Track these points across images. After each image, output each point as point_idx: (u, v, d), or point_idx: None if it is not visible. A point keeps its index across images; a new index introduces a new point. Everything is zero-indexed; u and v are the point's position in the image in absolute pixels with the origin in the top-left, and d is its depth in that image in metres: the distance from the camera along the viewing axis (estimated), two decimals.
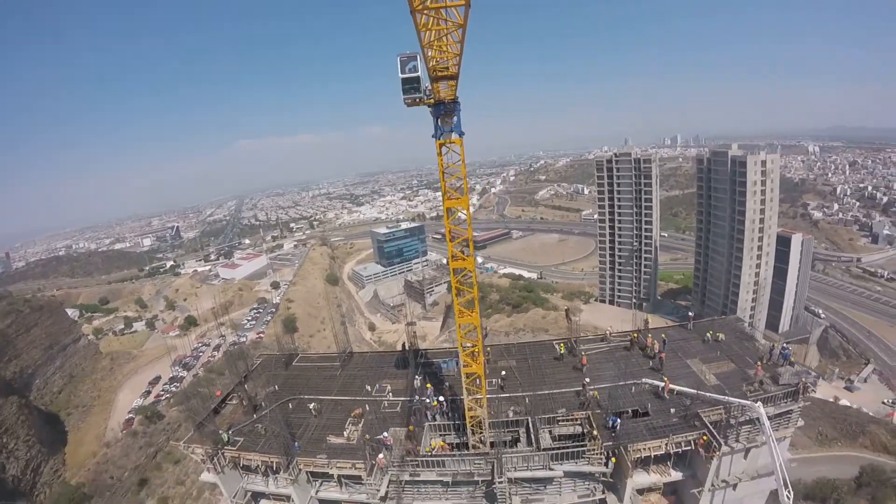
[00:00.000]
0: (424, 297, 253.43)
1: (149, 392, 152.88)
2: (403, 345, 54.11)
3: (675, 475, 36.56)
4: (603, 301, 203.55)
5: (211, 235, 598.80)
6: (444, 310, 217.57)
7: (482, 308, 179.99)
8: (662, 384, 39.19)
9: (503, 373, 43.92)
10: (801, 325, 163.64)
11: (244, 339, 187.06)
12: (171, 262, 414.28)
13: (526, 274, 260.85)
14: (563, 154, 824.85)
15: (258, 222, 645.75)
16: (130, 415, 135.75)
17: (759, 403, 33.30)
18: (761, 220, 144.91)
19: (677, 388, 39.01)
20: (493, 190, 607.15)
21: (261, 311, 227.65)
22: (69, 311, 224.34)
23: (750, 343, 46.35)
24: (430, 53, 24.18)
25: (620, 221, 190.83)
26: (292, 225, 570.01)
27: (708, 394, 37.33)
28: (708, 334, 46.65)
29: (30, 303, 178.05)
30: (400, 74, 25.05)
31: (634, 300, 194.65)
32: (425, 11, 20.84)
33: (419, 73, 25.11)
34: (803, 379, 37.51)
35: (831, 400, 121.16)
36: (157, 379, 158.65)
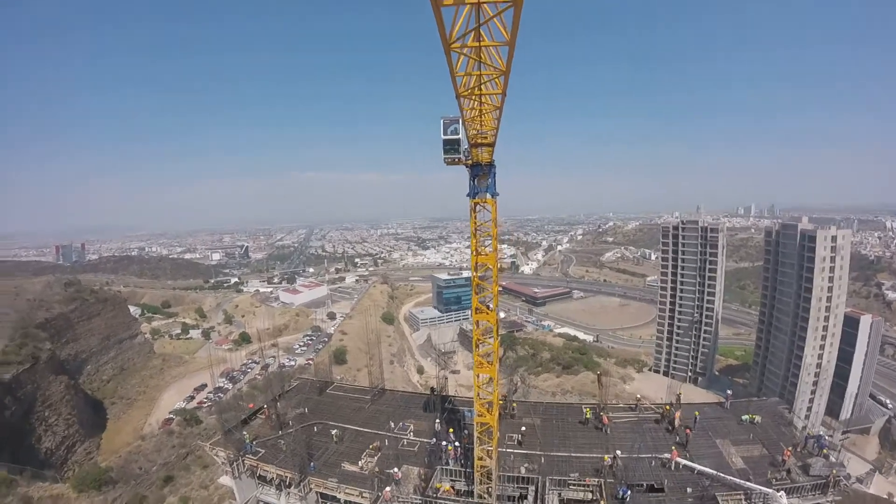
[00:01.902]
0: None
1: (192, 397, 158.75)
2: (432, 388, 55.33)
3: None
4: (657, 371, 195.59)
5: (277, 259, 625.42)
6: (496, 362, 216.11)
7: (532, 365, 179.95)
8: (686, 462, 38.22)
9: (523, 428, 44.14)
10: (865, 414, 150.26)
11: (293, 363, 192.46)
12: (236, 279, 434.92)
13: (581, 335, 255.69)
14: (633, 217, 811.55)
15: (325, 253, 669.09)
16: (171, 415, 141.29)
17: (782, 493, 32.00)
18: (828, 299, 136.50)
19: (685, 462, 38.10)
20: (559, 248, 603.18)
21: (314, 338, 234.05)
22: (131, 309, 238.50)
23: (787, 429, 44.35)
24: (470, 125, 26.59)
25: (682, 290, 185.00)
26: (357, 260, 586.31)
27: (718, 473, 36.17)
28: (744, 416, 45.20)
29: (96, 294, 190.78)
30: (442, 136, 27.48)
31: (690, 373, 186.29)
32: (469, 96, 23.33)
33: (460, 136, 27.42)
34: (834, 471, 35.31)
35: (885, 496, 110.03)
36: (203, 387, 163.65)
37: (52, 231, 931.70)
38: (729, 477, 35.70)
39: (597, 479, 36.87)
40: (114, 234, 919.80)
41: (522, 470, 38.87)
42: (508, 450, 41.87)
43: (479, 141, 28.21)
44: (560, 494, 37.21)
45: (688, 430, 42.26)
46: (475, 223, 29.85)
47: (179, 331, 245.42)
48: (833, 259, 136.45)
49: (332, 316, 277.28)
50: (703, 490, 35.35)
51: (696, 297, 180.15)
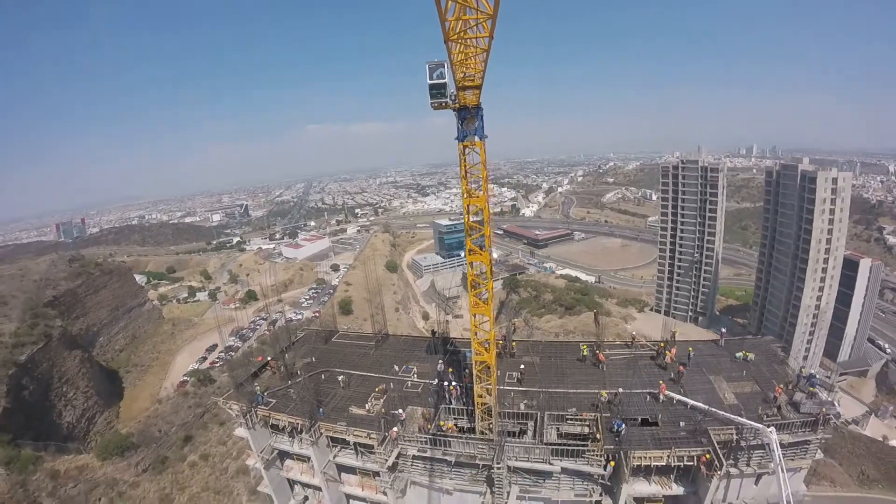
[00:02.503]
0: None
1: (205, 358, 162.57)
2: (433, 331, 56.72)
3: (677, 489, 36.48)
4: (658, 311, 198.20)
5: (278, 215, 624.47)
6: (497, 305, 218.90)
7: (535, 307, 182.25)
8: (689, 401, 39.06)
9: (522, 367, 45.45)
10: (862, 357, 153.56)
11: (300, 316, 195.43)
12: (238, 239, 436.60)
13: (583, 277, 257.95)
14: (633, 157, 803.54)
15: (325, 206, 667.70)
16: (185, 377, 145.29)
17: (772, 429, 32.47)
18: (828, 241, 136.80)
19: (675, 395, 39.26)
20: (559, 189, 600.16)
21: (319, 291, 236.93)
22: (137, 277, 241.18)
23: (780, 367, 44.67)
24: (458, 69, 26.27)
25: (683, 231, 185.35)
26: (357, 211, 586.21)
27: (709, 408, 37.20)
28: (738, 353, 45.63)
29: (101, 266, 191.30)
30: (428, 80, 27.04)
31: (690, 313, 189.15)
32: (458, 40, 23.40)
33: (446, 80, 27.05)
34: (824, 409, 35.84)
35: (880, 438, 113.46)
36: (214, 347, 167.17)
37: (51, 211, 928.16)
38: (720, 412, 36.55)
39: (593, 414, 37.98)
40: (112, 205, 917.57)
41: (522, 406, 40.10)
42: (508, 387, 43.16)
43: (466, 84, 27.80)
44: (558, 429, 38.53)
45: (681, 368, 43.10)
46: (465, 166, 29.88)
47: (186, 294, 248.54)
48: (833, 201, 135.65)
49: (335, 268, 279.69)
50: (695, 424, 36.27)
51: (696, 237, 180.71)
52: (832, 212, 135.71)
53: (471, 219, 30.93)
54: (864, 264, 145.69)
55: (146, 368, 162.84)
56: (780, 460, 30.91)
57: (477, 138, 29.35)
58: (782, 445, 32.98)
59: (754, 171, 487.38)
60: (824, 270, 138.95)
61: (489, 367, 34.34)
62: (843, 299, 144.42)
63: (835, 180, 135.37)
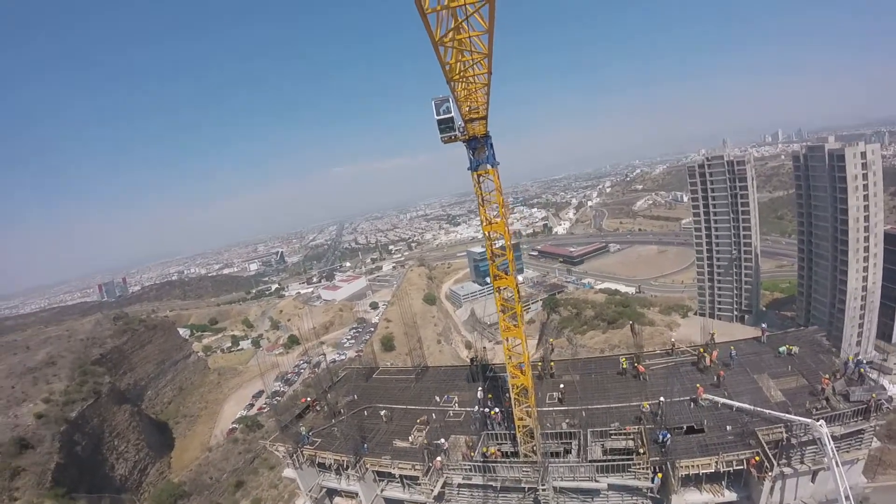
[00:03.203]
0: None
1: (252, 405, 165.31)
2: (472, 359, 57.05)
3: (729, 495, 35.34)
4: (702, 314, 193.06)
5: (313, 259, 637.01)
6: (539, 327, 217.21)
7: (577, 325, 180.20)
8: (723, 400, 38.47)
9: (562, 386, 45.42)
10: None
11: (343, 356, 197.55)
12: (276, 285, 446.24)
13: (623, 288, 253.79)
14: (659, 161, 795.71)
15: (358, 245, 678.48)
16: (234, 425, 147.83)
17: (822, 422, 31.27)
18: (866, 218, 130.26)
19: (717, 398, 38.46)
20: (589, 203, 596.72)
21: (360, 330, 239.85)
22: (181, 331, 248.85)
23: (826, 356, 43.20)
24: (462, 104, 27.64)
25: (717, 229, 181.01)
26: (391, 247, 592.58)
27: (754, 407, 36.26)
28: (781, 348, 44.27)
29: (144, 322, 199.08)
30: (435, 116, 28.38)
31: (736, 312, 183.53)
32: (460, 79, 25.05)
33: (452, 114, 28.30)
34: (874, 395, 34.22)
35: None
36: (260, 393, 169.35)
37: (93, 272, 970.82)
38: (766, 410, 35.58)
39: (636, 427, 37.60)
40: (151, 262, 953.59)
41: (564, 426, 40.01)
42: (550, 408, 43.14)
43: (473, 116, 29.11)
44: (603, 445, 38.22)
45: (721, 372, 42.10)
46: (481, 194, 30.81)
47: (230, 344, 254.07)
48: (865, 176, 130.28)
49: (374, 305, 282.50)
50: (742, 426, 35.34)
51: (731, 233, 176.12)
52: (865, 187, 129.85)
53: (493, 244, 31.72)
54: None
55: (195, 418, 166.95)
56: (833, 454, 29.92)
57: (489, 166, 30.35)
58: (834, 438, 31.77)
59: (782, 157, 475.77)
60: (866, 249, 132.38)
61: (527, 389, 34.56)
62: (891, 276, 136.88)
63: (863, 154, 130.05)
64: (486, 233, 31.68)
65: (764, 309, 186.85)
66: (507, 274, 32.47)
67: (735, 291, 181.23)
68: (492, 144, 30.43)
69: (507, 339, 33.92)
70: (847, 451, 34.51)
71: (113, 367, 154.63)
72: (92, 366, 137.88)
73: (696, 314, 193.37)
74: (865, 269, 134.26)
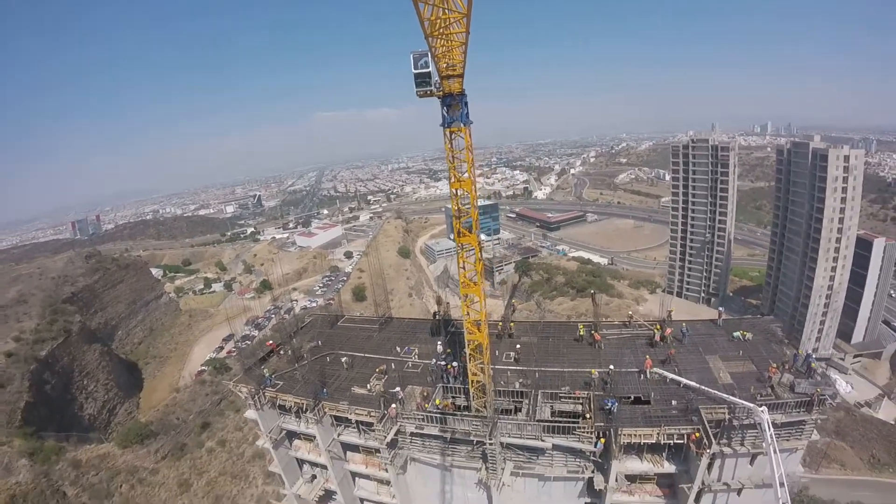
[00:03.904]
0: (493, 275, 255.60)
1: (221, 348, 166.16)
2: (434, 313, 57.98)
3: (669, 468, 36.94)
4: (670, 292, 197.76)
5: (291, 205, 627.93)
6: (510, 288, 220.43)
7: (547, 290, 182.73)
8: (672, 376, 39.57)
9: (518, 346, 46.57)
10: (877, 339, 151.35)
11: (314, 304, 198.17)
12: (252, 229, 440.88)
13: (596, 259, 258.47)
14: (646, 137, 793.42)
15: (337, 194, 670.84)
16: (203, 367, 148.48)
17: (764, 408, 32.14)
18: (840, 220, 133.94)
19: (667, 373, 39.75)
20: (572, 171, 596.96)
21: (332, 278, 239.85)
22: (153, 271, 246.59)
23: (779, 347, 44.15)
24: (440, 60, 27.25)
25: (694, 211, 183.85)
26: (370, 197, 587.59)
27: (700, 385, 37.38)
28: (736, 333, 45.41)
29: (117, 261, 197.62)
30: (413, 70, 28.04)
31: (703, 294, 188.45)
32: (437, 35, 24.55)
33: (430, 69, 27.97)
34: (819, 389, 35.35)
35: (892, 422, 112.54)
36: (231, 336, 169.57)
37: (66, 208, 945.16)
38: (712, 391, 36.62)
39: (586, 392, 38.75)
40: (126, 201, 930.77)
41: (517, 385, 41.15)
42: (505, 367, 44.24)
43: (449, 73, 28.73)
44: (552, 406, 39.63)
45: (671, 351, 43.11)
46: (451, 151, 30.73)
47: (202, 286, 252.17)
48: (846, 179, 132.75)
49: (348, 255, 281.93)
50: (687, 402, 36.38)
51: (707, 217, 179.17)
52: (844, 190, 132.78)
53: (460, 203, 31.88)
54: (879, 244, 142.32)
55: (165, 360, 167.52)
56: (771, 440, 30.83)
57: (462, 124, 30.14)
58: (775, 425, 32.81)
59: (769, 149, 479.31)
60: (837, 250, 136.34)
61: (482, 346, 35.42)
62: (857, 280, 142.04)
63: (847, 158, 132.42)
64: (454, 190, 31.73)
65: (731, 294, 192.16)
66: (470, 231, 32.79)
67: (704, 274, 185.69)
68: (466, 103, 30.06)
69: (466, 296, 34.45)
70: (787, 440, 35.88)
71: (84, 307, 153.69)
72: (63, 304, 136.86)
73: (664, 291, 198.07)
74: (833, 269, 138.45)
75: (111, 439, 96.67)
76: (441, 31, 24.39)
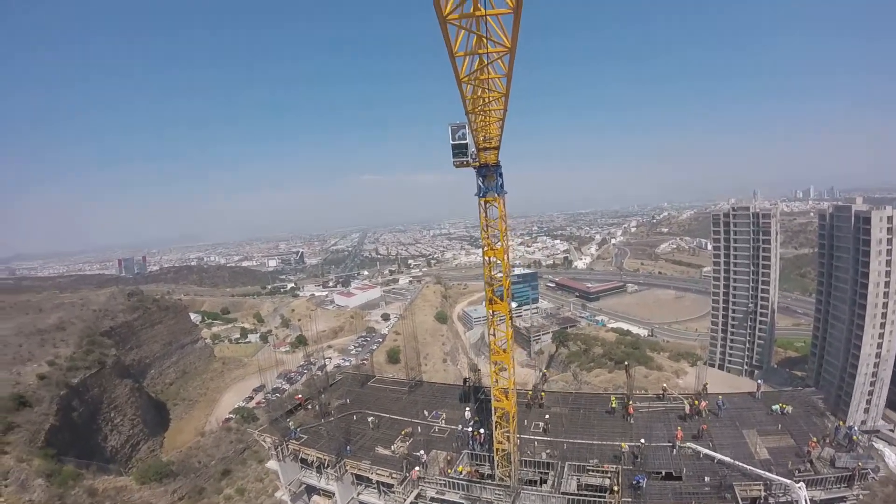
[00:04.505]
0: (530, 345, 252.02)
1: (251, 398, 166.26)
2: (465, 379, 57.81)
3: None
4: (712, 365, 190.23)
5: (332, 263, 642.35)
6: (547, 359, 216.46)
7: (584, 361, 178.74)
8: (706, 451, 38.45)
9: (547, 416, 45.91)
10: None
11: (348, 363, 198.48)
12: (292, 284, 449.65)
13: (635, 330, 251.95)
14: (688, 206, 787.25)
15: (378, 256, 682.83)
16: (230, 414, 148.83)
17: (801, 484, 31.21)
18: (887, 284, 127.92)
19: (700, 448, 38.42)
20: (612, 241, 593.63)
21: (368, 339, 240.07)
22: (192, 316, 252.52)
23: (820, 420, 43.07)
24: (478, 134, 29.14)
25: (736, 280, 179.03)
26: (410, 261, 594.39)
27: (733, 461, 36.05)
28: (774, 406, 44.17)
29: (158, 302, 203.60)
30: (451, 141, 29.89)
31: (746, 366, 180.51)
32: (477, 111, 26.71)
33: (467, 141, 29.76)
34: (860, 463, 34.09)
35: None
36: (262, 387, 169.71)
37: (114, 246, 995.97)
38: (747, 466, 35.36)
39: (614, 466, 37.69)
40: (173, 246, 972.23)
41: (544, 455, 40.45)
42: (533, 437, 43.67)
43: (486, 146, 30.52)
44: (578, 479, 38.46)
45: (704, 426, 42.04)
46: (485, 220, 32.00)
47: (238, 335, 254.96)
48: (890, 241, 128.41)
49: (385, 317, 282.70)
50: (721, 479, 35.15)
51: (750, 286, 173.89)
52: (889, 252, 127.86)
53: (492, 271, 32.81)
54: None
55: (194, 403, 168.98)
56: None
57: (496, 194, 31.57)
58: (814, 502, 31.69)
59: (812, 214, 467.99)
60: (884, 315, 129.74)
61: (508, 414, 35.28)
62: None
63: (890, 219, 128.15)
64: (486, 258, 32.73)
65: (775, 366, 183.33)
66: (501, 300, 33.44)
67: (747, 345, 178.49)
68: (501, 174, 31.69)
69: (495, 363, 34.73)
70: None
71: (121, 341, 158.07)
72: (100, 336, 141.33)
73: (705, 364, 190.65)
74: (881, 335, 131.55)
75: (130, 473, 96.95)
76: (481, 108, 26.46)
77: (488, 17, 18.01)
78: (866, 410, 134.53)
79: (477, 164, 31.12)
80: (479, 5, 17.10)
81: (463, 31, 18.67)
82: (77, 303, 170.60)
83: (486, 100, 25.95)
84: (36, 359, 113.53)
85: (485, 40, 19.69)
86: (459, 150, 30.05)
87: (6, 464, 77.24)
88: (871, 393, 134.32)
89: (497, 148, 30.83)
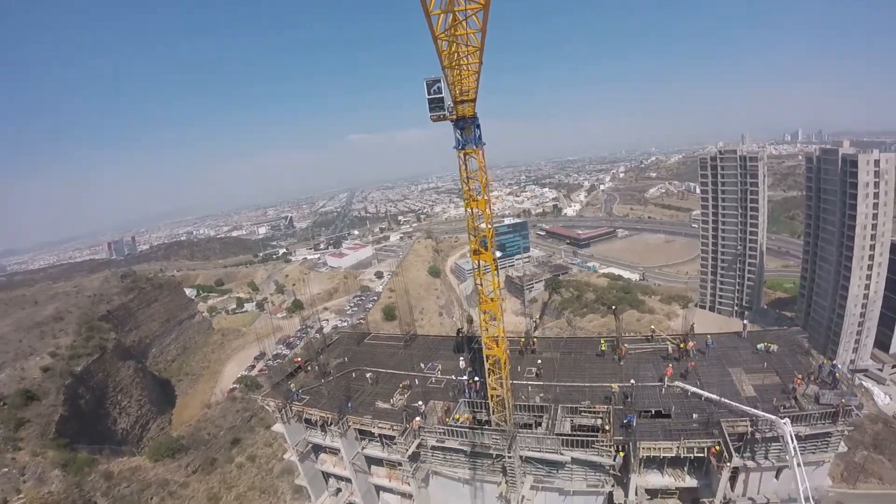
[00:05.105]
0: (523, 293, 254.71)
1: (253, 366, 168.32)
2: (458, 330, 58.93)
3: (690, 481, 36.77)
4: (703, 307, 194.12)
5: (322, 226, 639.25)
6: (541, 307, 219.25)
7: (577, 307, 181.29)
8: (693, 389, 39.62)
9: (539, 361, 47.21)
10: None
11: (345, 323, 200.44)
12: (284, 250, 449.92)
13: (627, 275, 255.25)
14: (676, 150, 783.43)
15: (367, 214, 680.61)
16: (234, 384, 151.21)
17: (787, 420, 31.88)
18: (874, 227, 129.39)
19: (688, 386, 39.72)
20: (601, 187, 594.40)
21: (363, 298, 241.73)
22: (187, 291, 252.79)
23: (804, 358, 43.56)
24: (454, 87, 28.78)
25: (724, 223, 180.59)
26: (400, 218, 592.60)
27: (720, 398, 37.17)
28: (760, 344, 44.94)
29: (151, 281, 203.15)
30: (427, 95, 29.58)
31: (736, 307, 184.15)
32: (453, 66, 26.37)
33: (443, 94, 29.48)
34: (844, 400, 34.69)
35: None
36: (262, 355, 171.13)
37: (102, 230, 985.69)
38: (733, 403, 36.29)
39: (606, 406, 38.81)
40: (160, 222, 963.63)
41: (537, 399, 41.69)
42: (526, 382, 44.96)
43: (462, 98, 30.18)
44: (572, 421, 39.81)
45: (691, 363, 43.27)
46: (465, 172, 32.02)
47: (234, 305, 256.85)
48: (877, 185, 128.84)
49: (379, 275, 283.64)
50: (708, 415, 36.14)
51: (738, 229, 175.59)
52: (876, 196, 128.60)
53: (475, 221, 33.06)
54: None
55: (197, 377, 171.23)
56: (794, 452, 30.56)
57: (475, 146, 31.46)
58: (800, 438, 32.42)
59: (800, 157, 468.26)
60: (871, 258, 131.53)
61: (500, 361, 36.18)
62: (893, 286, 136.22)
63: (877, 162, 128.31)
64: (468, 209, 32.92)
65: (765, 307, 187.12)
66: (485, 249, 33.83)
67: (737, 287, 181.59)
68: (479, 126, 31.40)
69: (484, 312, 35.35)
70: (812, 453, 35.40)
71: (119, 324, 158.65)
72: (98, 322, 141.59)
73: (696, 306, 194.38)
74: (868, 276, 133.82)
75: (143, 453, 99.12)
76: (456, 62, 26.30)
77: None
78: (855, 350, 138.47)
79: (454, 117, 30.84)
80: None
81: None
82: (71, 291, 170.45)
83: (462, 54, 25.68)
84: (38, 352, 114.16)
85: None
86: (436, 104, 29.76)
87: (22, 459, 79.28)
88: (859, 333, 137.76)
89: (473, 100, 30.47)
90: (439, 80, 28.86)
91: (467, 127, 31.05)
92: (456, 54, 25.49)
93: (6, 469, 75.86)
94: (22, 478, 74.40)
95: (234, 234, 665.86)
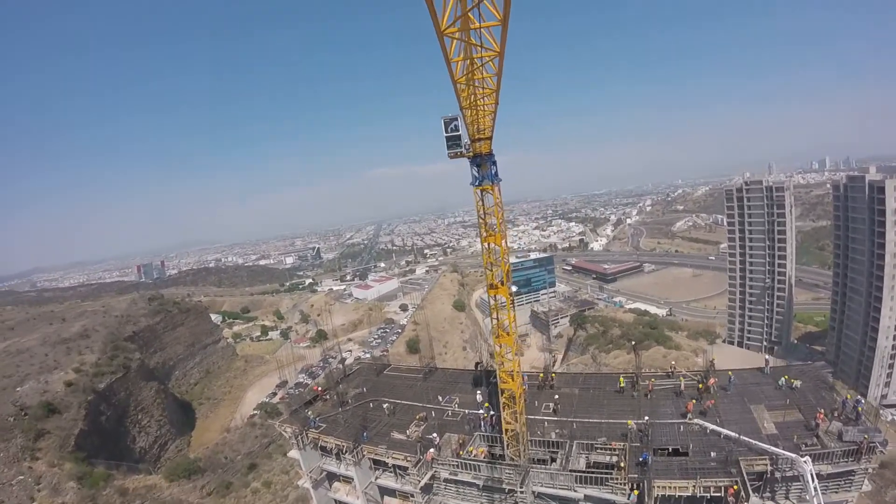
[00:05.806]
0: (549, 328, 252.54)
1: (274, 393, 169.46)
2: (477, 363, 59.11)
3: None
4: (731, 342, 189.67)
5: (349, 257, 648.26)
6: (566, 342, 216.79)
7: (602, 343, 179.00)
8: (712, 426, 38.92)
9: (556, 397, 46.98)
10: None
11: (368, 355, 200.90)
12: (310, 280, 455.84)
13: (653, 310, 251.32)
14: (702, 182, 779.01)
15: (394, 247, 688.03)
16: (255, 411, 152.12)
17: (807, 458, 31.19)
18: None
19: (707, 424, 39.11)
20: (628, 221, 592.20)
21: (387, 330, 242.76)
22: (213, 316, 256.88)
23: (829, 393, 42.59)
24: (470, 126, 30.15)
25: (752, 256, 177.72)
26: (426, 251, 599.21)
27: (734, 434, 36.59)
28: (781, 380, 44.09)
29: (178, 305, 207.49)
30: (444, 133, 30.94)
31: (765, 343, 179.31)
32: (471, 106, 27.78)
33: (460, 132, 30.76)
34: (867, 437, 33.55)
35: None
36: (284, 383, 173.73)
37: (133, 253, 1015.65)
38: (753, 441, 35.59)
39: (622, 444, 38.29)
40: (191, 249, 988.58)
41: (553, 435, 41.44)
42: (543, 417, 44.77)
43: (479, 136, 31.41)
44: (587, 457, 39.32)
45: (710, 402, 42.55)
46: (482, 208, 32.93)
47: (259, 333, 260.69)
48: None
49: (404, 308, 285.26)
50: (727, 454, 35.39)
51: (766, 261, 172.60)
52: None
53: (491, 257, 33.76)
54: None
55: (218, 401, 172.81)
56: (815, 491, 29.85)
57: (491, 182, 32.45)
58: (821, 476, 31.70)
59: (828, 185, 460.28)
60: None
61: (514, 395, 36.29)
62: None
63: None
64: (486, 244, 33.67)
65: (795, 342, 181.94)
66: (501, 284, 34.39)
67: (766, 321, 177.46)
68: (495, 162, 32.48)
69: (500, 346, 35.73)
70: (835, 492, 34.31)
71: (144, 345, 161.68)
72: (124, 342, 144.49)
73: (724, 341, 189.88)
74: None
75: (159, 472, 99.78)
76: (473, 103, 27.62)
77: (481, 28, 19.66)
78: (887, 384, 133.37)
79: (471, 154, 31.98)
80: (472, 17, 18.56)
81: (457, 40, 20.38)
82: (99, 310, 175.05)
83: (479, 96, 27.01)
84: (62, 367, 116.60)
85: (478, 47, 21.13)
86: (453, 142, 31.11)
87: (38, 469, 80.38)
88: (891, 366, 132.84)
89: (490, 138, 31.71)
90: (456, 119, 30.23)
91: (483, 164, 32.11)
92: (473, 96, 26.80)
93: (22, 477, 77.09)
94: (37, 486, 75.39)
95: (262, 262, 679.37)
